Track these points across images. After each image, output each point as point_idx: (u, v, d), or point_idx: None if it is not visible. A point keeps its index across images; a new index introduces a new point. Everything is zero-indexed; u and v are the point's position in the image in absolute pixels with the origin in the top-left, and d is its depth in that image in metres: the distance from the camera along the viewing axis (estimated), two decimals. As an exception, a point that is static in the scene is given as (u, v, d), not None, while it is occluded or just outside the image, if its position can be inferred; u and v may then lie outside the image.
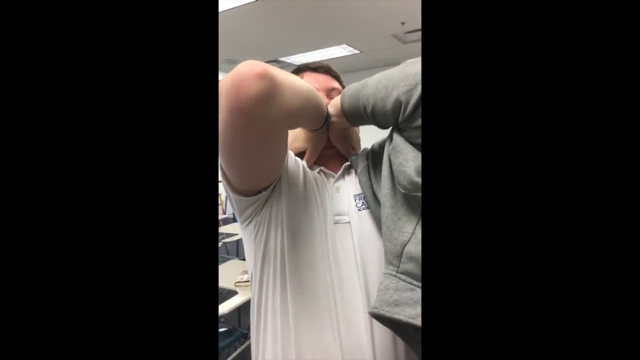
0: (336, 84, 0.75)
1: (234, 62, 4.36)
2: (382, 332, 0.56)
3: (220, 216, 4.35)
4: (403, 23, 3.42)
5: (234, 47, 3.75)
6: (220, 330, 1.88)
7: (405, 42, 3.97)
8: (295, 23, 3.19)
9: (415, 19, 3.31)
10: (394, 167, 0.54)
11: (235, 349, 1.88)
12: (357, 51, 4.25)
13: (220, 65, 4.58)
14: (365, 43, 3.98)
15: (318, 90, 0.66)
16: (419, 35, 3.75)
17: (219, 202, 6.70)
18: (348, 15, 3.12)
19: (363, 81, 0.60)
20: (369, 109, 0.57)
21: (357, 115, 0.60)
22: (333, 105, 0.65)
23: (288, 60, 4.43)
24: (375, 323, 0.55)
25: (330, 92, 0.72)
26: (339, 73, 0.77)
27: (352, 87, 0.61)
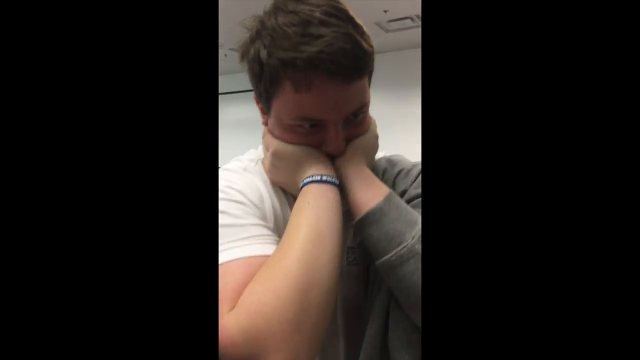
0: (366, 95, 0.49)
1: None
2: None
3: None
4: (385, 11, 3.42)
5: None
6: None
7: (387, 31, 3.97)
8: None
9: (397, 8, 3.32)
10: None
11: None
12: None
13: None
14: (348, 30, 3.97)
15: (330, 120, 0.47)
16: (401, 24, 3.75)
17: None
18: (331, 1, 3.10)
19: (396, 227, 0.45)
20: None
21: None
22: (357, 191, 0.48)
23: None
24: None
25: (352, 119, 0.50)
26: (370, 42, 0.47)
27: (382, 236, 0.45)
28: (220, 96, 6.39)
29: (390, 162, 0.59)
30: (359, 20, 0.47)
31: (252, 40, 0.48)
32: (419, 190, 0.52)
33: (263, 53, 0.45)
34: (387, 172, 0.57)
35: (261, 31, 0.47)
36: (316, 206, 0.45)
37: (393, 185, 0.55)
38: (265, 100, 0.50)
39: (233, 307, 0.38)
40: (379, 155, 0.62)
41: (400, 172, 0.56)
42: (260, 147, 0.59)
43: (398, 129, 4.21)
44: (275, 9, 0.46)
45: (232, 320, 0.37)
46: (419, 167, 0.56)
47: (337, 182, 0.49)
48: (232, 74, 6.03)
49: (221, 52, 4.62)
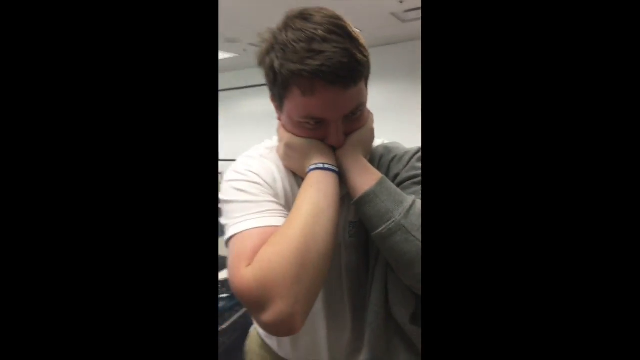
0: (362, 96, 0.58)
1: (233, 42, 4.35)
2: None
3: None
4: (401, 1, 3.43)
5: (233, 25, 3.76)
6: (222, 295, 2.00)
7: (403, 21, 3.97)
8: (295, 2, 3.21)
9: (413, -2, 3.32)
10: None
11: (236, 312, 2.02)
12: (356, 30, 4.25)
13: (220, 44, 4.57)
14: (364, 21, 3.98)
15: (331, 118, 0.57)
16: (417, 14, 3.74)
17: (221, 180, 6.74)
18: (346, -7, 3.13)
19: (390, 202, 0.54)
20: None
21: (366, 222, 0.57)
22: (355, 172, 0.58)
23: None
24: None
25: (350, 116, 0.58)
26: (365, 52, 0.56)
27: (380, 205, 0.54)
28: (238, 90, 6.52)
29: (387, 149, 0.68)
30: (356, 34, 0.56)
31: (268, 51, 0.58)
32: (410, 173, 0.61)
33: (276, 64, 0.55)
34: (384, 158, 0.66)
35: (274, 45, 0.56)
36: (318, 189, 0.55)
37: (388, 169, 0.65)
38: (278, 100, 0.61)
39: (250, 264, 0.49)
40: (378, 142, 0.71)
41: (394, 157, 0.66)
42: (275, 138, 0.70)
43: (416, 117, 4.22)
44: (286, 26, 0.56)
45: (249, 273, 0.48)
46: (411, 153, 0.65)
47: (336, 169, 0.59)
48: (251, 69, 6.12)
49: (240, 47, 4.71)
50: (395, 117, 3.37)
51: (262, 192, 0.58)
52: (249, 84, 6.33)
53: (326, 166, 0.58)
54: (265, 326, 0.48)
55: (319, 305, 0.68)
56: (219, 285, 2.07)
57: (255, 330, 0.84)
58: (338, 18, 0.55)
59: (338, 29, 0.53)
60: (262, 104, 6.18)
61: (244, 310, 2.02)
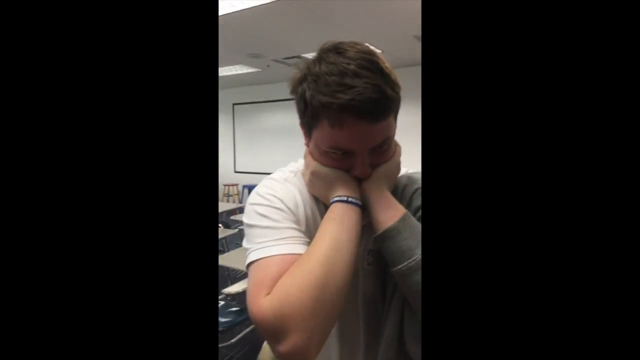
0: (390, 130, 0.59)
1: (257, 57, 4.46)
2: None
3: (237, 205, 4.48)
4: (425, 25, 3.47)
5: (258, 41, 3.86)
6: (233, 309, 1.99)
7: (426, 44, 4.01)
8: (320, 21, 3.28)
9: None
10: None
11: (246, 327, 2.00)
12: (379, 51, 4.27)
13: (244, 59, 4.69)
14: (387, 43, 4.04)
15: (358, 150, 0.57)
16: (441, 37, 3.77)
17: (236, 192, 6.86)
18: (371, 15, 3.19)
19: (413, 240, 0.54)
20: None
21: (388, 258, 0.57)
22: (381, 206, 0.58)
23: (310, 57, 4.51)
24: None
25: (377, 149, 0.59)
26: (396, 88, 0.56)
27: (405, 243, 0.54)
28: (261, 104, 6.65)
29: (410, 179, 0.67)
30: (389, 70, 0.56)
31: (300, 81, 0.59)
32: None
33: (307, 94, 0.56)
34: (407, 189, 0.66)
35: (307, 75, 0.57)
36: (340, 222, 0.55)
37: (410, 201, 0.64)
38: (307, 129, 0.61)
39: (269, 293, 0.49)
40: (402, 171, 0.70)
41: (417, 189, 0.64)
42: (300, 161, 0.70)
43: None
44: (320, 59, 0.57)
45: (266, 303, 0.48)
46: None
47: (359, 203, 0.59)
48: (273, 84, 6.25)
49: (264, 63, 4.82)
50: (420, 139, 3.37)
51: (284, 219, 0.59)
52: (271, 99, 6.45)
53: (349, 199, 0.58)
54: (279, 355, 0.48)
55: (333, 330, 0.66)
56: (229, 299, 2.07)
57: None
58: (371, 54, 0.56)
59: (370, 65, 0.54)
60: (283, 118, 6.29)
61: (253, 325, 2.01)
